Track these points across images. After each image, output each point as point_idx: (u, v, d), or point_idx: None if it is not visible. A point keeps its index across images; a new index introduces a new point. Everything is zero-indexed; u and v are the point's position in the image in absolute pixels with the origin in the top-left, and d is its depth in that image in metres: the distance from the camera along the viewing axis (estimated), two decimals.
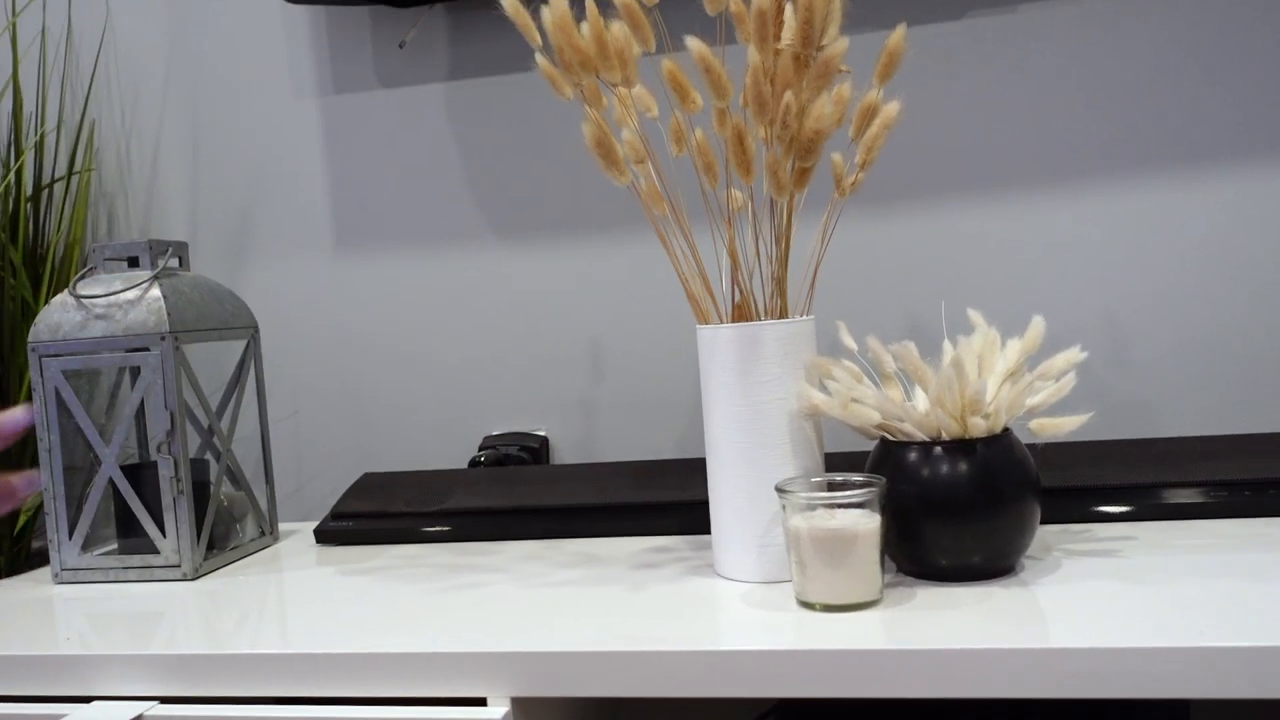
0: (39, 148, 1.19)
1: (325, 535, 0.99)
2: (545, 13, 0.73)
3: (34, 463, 1.12)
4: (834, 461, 0.87)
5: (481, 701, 0.66)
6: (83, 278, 0.95)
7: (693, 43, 0.71)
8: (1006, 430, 0.72)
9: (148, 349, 0.90)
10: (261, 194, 1.19)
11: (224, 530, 1.00)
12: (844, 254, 1.05)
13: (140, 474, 0.93)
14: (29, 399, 1.10)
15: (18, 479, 0.54)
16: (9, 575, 0.99)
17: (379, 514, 0.99)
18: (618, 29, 0.74)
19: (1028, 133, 1.00)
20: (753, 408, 0.75)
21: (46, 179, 1.20)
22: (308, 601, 0.81)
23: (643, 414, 1.10)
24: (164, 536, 0.91)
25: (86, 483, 0.95)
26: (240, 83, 1.19)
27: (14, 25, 1.20)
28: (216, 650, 0.70)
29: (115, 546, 0.95)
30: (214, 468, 0.97)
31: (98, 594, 0.89)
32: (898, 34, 0.75)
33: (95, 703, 0.71)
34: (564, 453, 1.13)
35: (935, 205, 1.03)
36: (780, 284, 0.77)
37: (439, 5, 1.11)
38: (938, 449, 0.71)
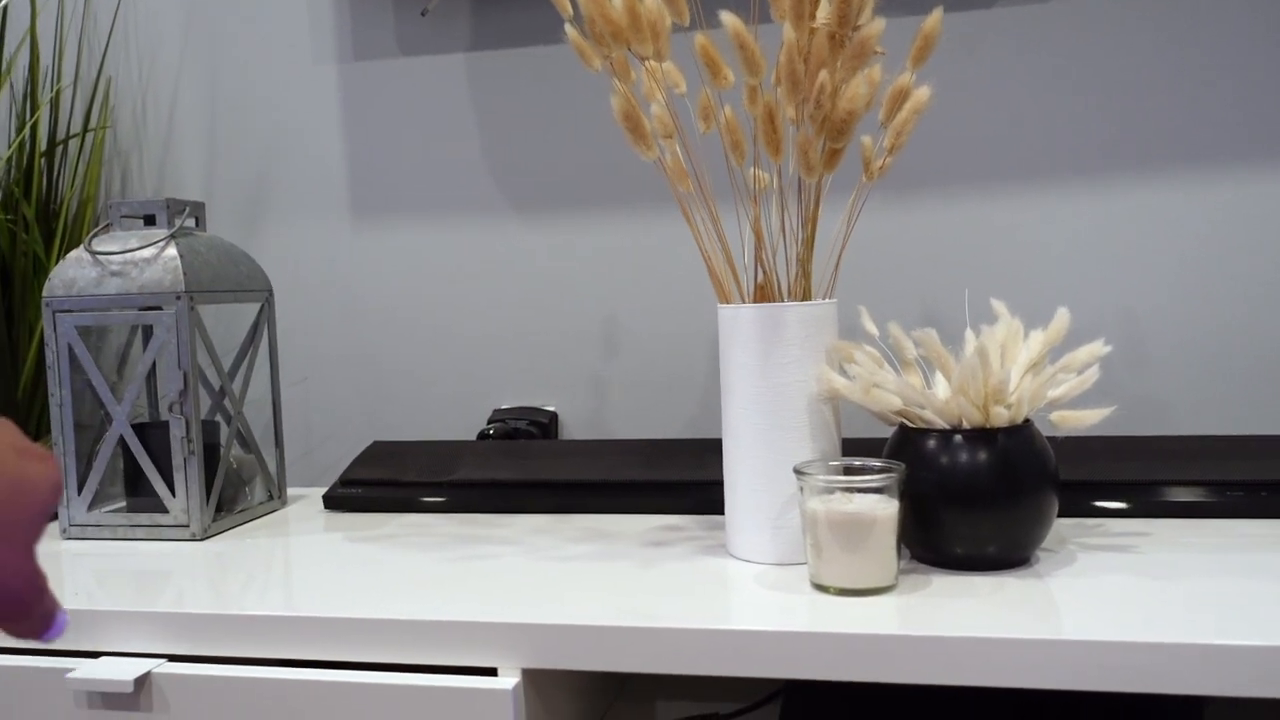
0: (54, 103, 1.18)
1: (334, 501, 0.99)
2: None
3: (44, 421, 1.12)
4: (849, 447, 0.86)
5: (492, 671, 0.66)
6: (98, 234, 0.95)
7: (728, 17, 0.70)
8: (1028, 421, 0.72)
9: (162, 308, 0.90)
10: (278, 158, 1.18)
11: (232, 493, 0.99)
12: (867, 238, 1.04)
13: (148, 433, 0.92)
14: (40, 354, 1.10)
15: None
16: None
17: (389, 482, 0.98)
18: (651, 1, 0.73)
19: (1057, 126, 1.00)
20: (772, 389, 0.74)
21: (61, 135, 1.19)
22: (316, 565, 0.81)
23: (654, 393, 1.10)
24: (173, 496, 0.90)
25: (96, 440, 0.95)
26: (259, 46, 1.18)
27: None
28: (224, 610, 0.70)
29: (123, 505, 0.95)
30: (224, 430, 0.97)
31: (106, 550, 0.88)
32: (934, 17, 0.74)
33: (103, 658, 0.71)
34: (573, 429, 1.12)
35: (960, 193, 1.02)
36: (805, 266, 0.77)
37: None
38: (958, 437, 0.70)
